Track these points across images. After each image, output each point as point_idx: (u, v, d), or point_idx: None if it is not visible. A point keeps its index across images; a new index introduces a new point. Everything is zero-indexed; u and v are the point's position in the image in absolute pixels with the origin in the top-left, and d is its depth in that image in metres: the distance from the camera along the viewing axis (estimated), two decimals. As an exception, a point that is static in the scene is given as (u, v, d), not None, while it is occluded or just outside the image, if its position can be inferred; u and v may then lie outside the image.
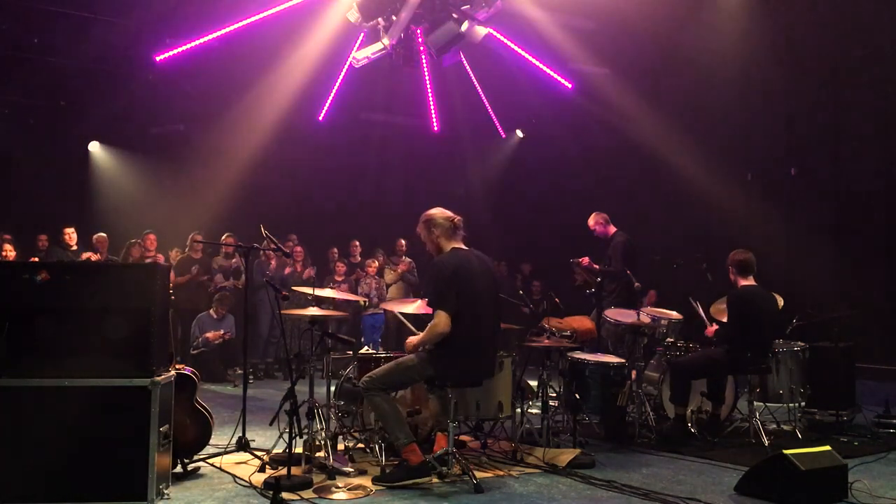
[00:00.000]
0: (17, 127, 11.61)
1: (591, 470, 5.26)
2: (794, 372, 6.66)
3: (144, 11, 10.30)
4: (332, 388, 5.70)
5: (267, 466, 5.15)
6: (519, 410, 5.98)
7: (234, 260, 10.54)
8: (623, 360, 6.48)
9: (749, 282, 6.41)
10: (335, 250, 11.61)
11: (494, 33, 9.25)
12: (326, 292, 6.59)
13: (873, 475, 5.18)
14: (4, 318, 4.15)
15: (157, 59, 10.20)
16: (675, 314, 7.16)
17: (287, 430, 4.84)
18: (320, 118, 12.30)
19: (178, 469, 4.93)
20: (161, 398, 4.22)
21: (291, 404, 4.81)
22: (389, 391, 5.06)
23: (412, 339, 5.13)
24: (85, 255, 9.74)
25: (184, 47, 10.07)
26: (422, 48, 9.22)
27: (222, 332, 9.79)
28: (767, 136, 11.61)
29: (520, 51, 10.84)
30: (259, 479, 4.84)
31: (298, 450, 5.08)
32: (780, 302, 6.93)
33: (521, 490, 4.81)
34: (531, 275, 13.35)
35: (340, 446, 5.56)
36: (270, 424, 5.65)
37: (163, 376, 4.32)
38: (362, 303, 10.87)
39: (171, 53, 10.17)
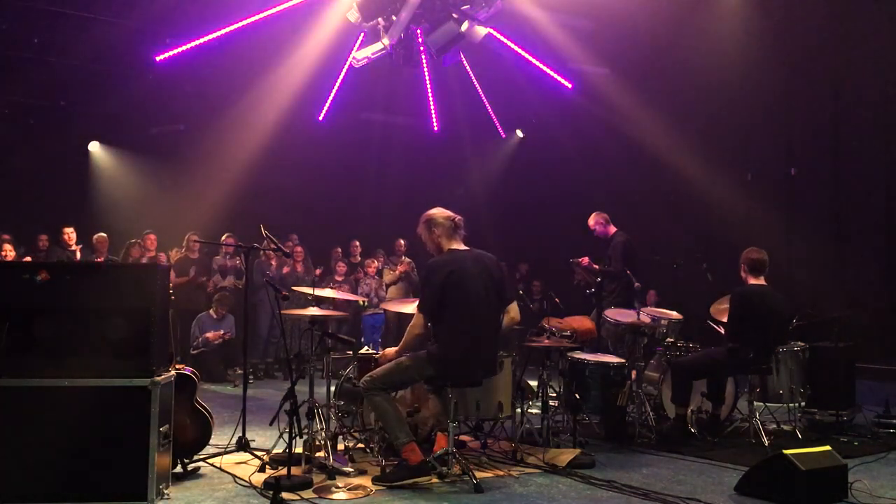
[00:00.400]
0: (17, 127, 11.61)
1: (591, 470, 5.26)
2: (794, 372, 6.66)
3: (144, 11, 10.30)
4: (332, 388, 5.70)
5: (267, 466, 5.15)
6: (519, 410, 5.97)
7: (235, 260, 10.53)
8: (623, 360, 6.48)
9: (759, 281, 6.38)
10: (338, 250, 11.62)
11: (494, 33, 9.25)
12: (326, 292, 6.59)
13: (873, 475, 5.18)
14: (4, 318, 4.15)
15: (157, 59, 10.20)
16: (675, 314, 7.16)
17: (287, 430, 4.84)
18: (320, 118, 12.29)
19: (178, 469, 4.93)
20: (161, 398, 4.22)
21: (291, 404, 4.81)
22: (389, 391, 5.07)
23: (388, 351, 5.22)
24: (79, 252, 9.74)
25: (184, 47, 10.08)
26: (422, 48, 9.22)
27: (222, 332, 9.79)
28: (767, 136, 11.62)
29: (520, 51, 10.85)
30: (259, 479, 4.84)
31: (298, 450, 5.08)
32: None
33: (521, 490, 4.81)
34: (528, 274, 13.36)
35: (340, 446, 5.56)
36: (270, 424, 5.65)
37: (163, 376, 4.32)
38: (362, 303, 10.87)
39: (171, 53, 10.18)
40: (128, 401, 4.17)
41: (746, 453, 5.75)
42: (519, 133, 14.90)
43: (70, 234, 9.96)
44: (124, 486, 4.12)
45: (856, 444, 6.21)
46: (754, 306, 6.27)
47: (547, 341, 6.15)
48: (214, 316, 9.90)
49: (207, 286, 10.42)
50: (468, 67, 11.33)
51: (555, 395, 6.55)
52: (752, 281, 6.38)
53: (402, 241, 11.95)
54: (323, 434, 5.33)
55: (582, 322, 7.07)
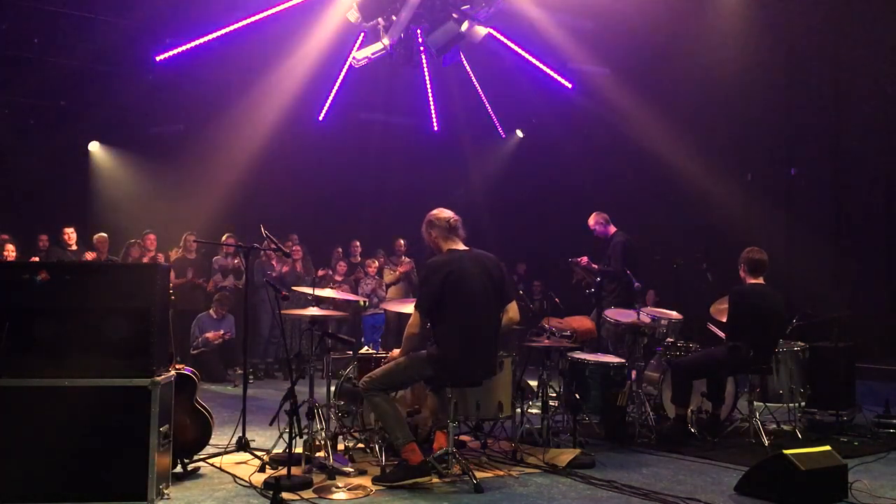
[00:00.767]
0: (17, 127, 11.61)
1: (591, 470, 5.26)
2: (794, 372, 6.66)
3: (144, 11, 10.30)
4: (332, 388, 5.70)
5: (267, 466, 5.15)
6: (519, 410, 5.97)
7: (235, 260, 10.53)
8: (623, 360, 6.48)
9: (757, 281, 6.38)
10: (339, 250, 11.62)
11: (494, 33, 9.25)
12: (326, 292, 6.59)
13: (873, 475, 5.18)
14: (4, 318, 4.15)
15: (157, 59, 10.20)
16: (675, 314, 7.16)
17: (287, 430, 4.84)
18: (320, 118, 12.29)
19: (178, 469, 4.93)
20: (161, 398, 4.22)
21: (291, 404, 4.81)
22: (389, 391, 5.07)
23: (395, 352, 5.21)
24: (88, 256, 9.74)
25: (184, 47, 10.08)
26: (422, 48, 9.22)
27: (222, 332, 9.79)
28: (767, 136, 11.62)
29: (520, 51, 10.85)
30: (259, 479, 4.84)
31: (298, 450, 5.08)
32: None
33: (521, 490, 4.81)
34: (526, 274, 13.35)
35: (340, 446, 5.56)
36: (270, 424, 5.66)
37: (163, 376, 4.32)
38: (362, 303, 10.87)
39: (171, 53, 10.18)
40: (128, 401, 4.17)
41: (746, 453, 5.75)
42: (519, 133, 14.89)
43: (70, 234, 9.96)
44: (124, 486, 4.12)
45: (856, 444, 6.21)
46: (753, 305, 6.27)
47: (547, 341, 6.15)
48: (214, 316, 9.90)
49: (207, 286, 10.42)
50: (468, 67, 11.33)
51: (555, 395, 6.55)
52: (751, 281, 6.39)
53: (402, 241, 11.95)
54: (323, 434, 5.33)
55: (582, 322, 7.07)
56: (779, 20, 11.13)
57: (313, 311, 5.65)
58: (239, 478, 4.94)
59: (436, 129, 13.41)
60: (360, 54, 8.70)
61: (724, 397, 6.52)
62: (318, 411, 5.41)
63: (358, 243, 11.93)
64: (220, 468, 5.17)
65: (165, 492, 4.34)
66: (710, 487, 4.90)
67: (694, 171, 11.46)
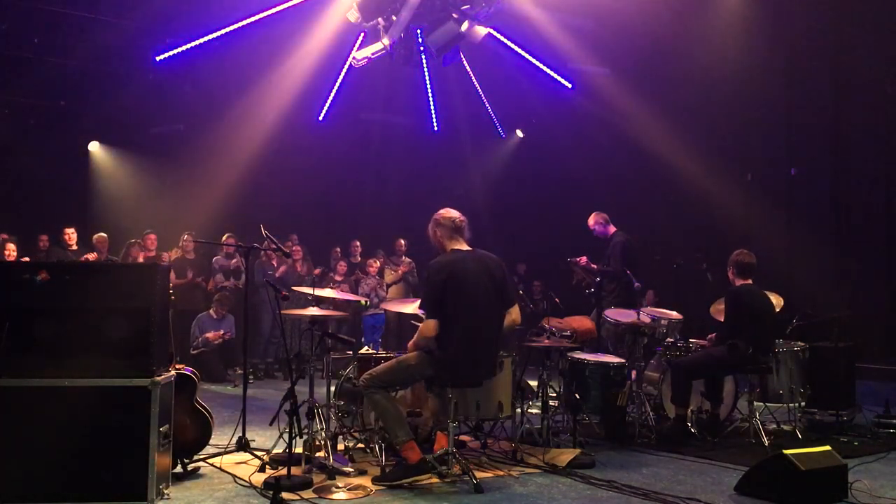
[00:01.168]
0: (17, 127, 11.61)
1: (591, 470, 5.26)
2: (794, 372, 6.66)
3: (144, 11, 10.31)
4: (332, 388, 5.70)
5: (267, 466, 5.15)
6: (519, 410, 5.97)
7: (234, 260, 10.53)
8: (623, 360, 6.48)
9: (746, 282, 6.46)
10: (338, 250, 11.61)
11: (494, 33, 9.26)
12: (326, 292, 6.59)
13: (873, 475, 5.18)
14: (4, 318, 4.15)
15: (157, 59, 10.21)
16: (675, 314, 7.16)
17: (287, 430, 4.84)
18: (320, 118, 12.30)
19: (178, 469, 4.93)
20: (161, 398, 4.22)
21: (291, 404, 4.81)
22: (389, 389, 5.07)
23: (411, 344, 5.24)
24: (90, 257, 9.74)
25: (184, 47, 10.10)
26: (422, 48, 9.22)
27: (222, 332, 9.78)
28: (767, 136, 11.63)
29: (520, 51, 10.86)
30: (259, 479, 4.84)
31: (298, 450, 5.08)
32: (780, 302, 6.94)
33: (521, 490, 4.80)
34: (526, 274, 13.35)
35: (340, 446, 5.56)
36: (270, 424, 5.65)
37: (163, 376, 4.31)
38: (363, 303, 10.87)
39: (171, 53, 10.19)
40: (128, 401, 4.16)
41: (746, 453, 5.75)
42: (519, 133, 14.89)
43: (71, 234, 9.96)
44: (124, 486, 4.12)
45: (856, 444, 6.21)
46: (749, 305, 6.34)
47: (547, 341, 6.15)
48: (214, 316, 9.90)
49: (207, 286, 10.42)
50: (468, 67, 11.34)
51: (555, 395, 6.54)
52: (741, 282, 6.46)
53: (402, 241, 11.95)
54: (323, 434, 5.33)
55: (582, 322, 7.06)
56: (779, 20, 11.14)
57: (313, 311, 5.65)
58: (239, 478, 4.94)
59: (436, 128, 13.42)
60: (360, 54, 8.71)
61: (723, 396, 6.53)
62: (318, 411, 5.41)
63: (358, 243, 11.93)
64: (220, 468, 5.17)
65: (165, 492, 4.34)
66: (710, 487, 4.90)
67: (694, 171, 11.46)
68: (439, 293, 4.94)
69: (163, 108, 12.02)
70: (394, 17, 8.36)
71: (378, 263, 11.42)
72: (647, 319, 6.86)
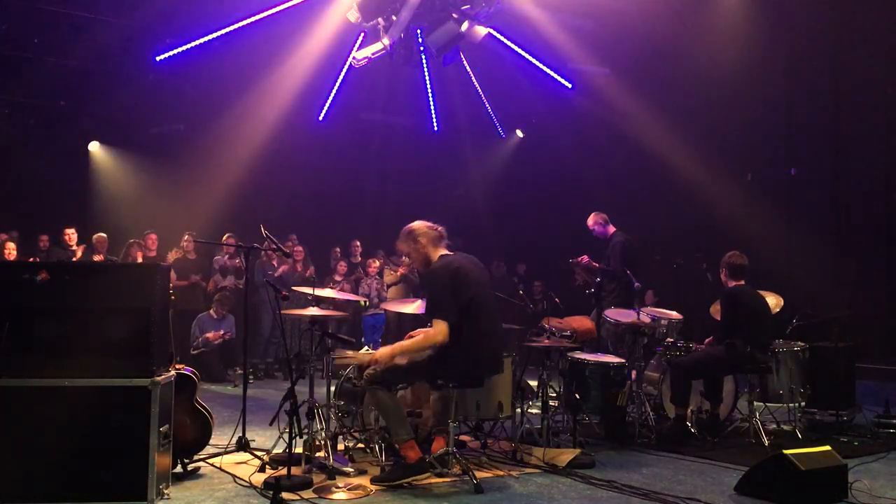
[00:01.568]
0: (17, 127, 11.61)
1: (591, 470, 5.26)
2: (794, 372, 6.66)
3: (144, 11, 10.31)
4: (332, 388, 5.70)
5: (267, 466, 5.15)
6: (519, 410, 5.97)
7: (236, 260, 10.53)
8: (623, 360, 6.48)
9: (739, 283, 6.50)
10: (338, 250, 11.61)
11: (494, 33, 9.26)
12: (326, 292, 6.59)
13: (873, 475, 5.18)
14: (4, 318, 4.15)
15: (157, 59, 10.21)
16: (675, 314, 7.16)
17: (287, 430, 4.84)
18: (320, 118, 12.30)
19: (178, 469, 4.93)
20: (161, 398, 4.22)
21: (291, 404, 4.81)
22: (392, 386, 5.05)
23: (382, 351, 5.00)
24: (79, 252, 9.74)
25: (184, 47, 10.10)
26: (422, 48, 9.22)
27: (222, 332, 9.78)
28: (767, 136, 11.63)
29: (520, 51, 10.86)
30: (259, 479, 4.84)
31: (298, 450, 5.08)
32: (780, 302, 6.95)
33: (521, 490, 4.81)
34: (526, 274, 13.34)
35: (340, 446, 5.55)
36: (270, 424, 5.65)
37: (163, 376, 4.31)
38: (362, 303, 10.87)
39: (171, 53, 10.19)
40: (128, 401, 4.16)
41: (746, 453, 5.75)
42: (519, 133, 14.89)
43: (71, 234, 9.96)
44: (124, 486, 4.11)
45: (856, 444, 6.21)
46: (746, 305, 6.38)
47: (547, 341, 6.15)
48: (214, 316, 9.90)
49: (207, 286, 10.42)
50: (468, 67, 11.34)
51: (555, 395, 6.54)
52: (733, 283, 6.50)
53: (402, 242, 11.92)
54: (323, 434, 5.33)
55: (582, 322, 7.06)
56: (779, 20, 11.13)
57: (313, 311, 5.65)
58: (239, 478, 4.94)
59: (436, 129, 13.42)
60: (360, 54, 8.71)
61: (722, 396, 6.53)
62: (318, 411, 5.40)
63: (358, 243, 11.93)
64: (220, 468, 5.17)
65: (165, 492, 4.34)
66: (710, 487, 4.90)
67: (694, 171, 11.46)
68: (448, 293, 4.87)
69: (163, 108, 12.02)
70: (394, 17, 8.36)
71: (378, 263, 11.42)
72: (647, 319, 6.86)
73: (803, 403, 6.74)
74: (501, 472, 5.19)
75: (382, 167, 14.10)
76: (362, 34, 9.20)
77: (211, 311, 9.93)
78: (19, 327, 4.17)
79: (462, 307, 4.88)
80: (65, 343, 4.20)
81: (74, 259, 9.63)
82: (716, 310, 6.98)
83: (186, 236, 10.47)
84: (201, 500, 4.48)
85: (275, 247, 6.39)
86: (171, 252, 10.65)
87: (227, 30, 9.89)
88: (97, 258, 9.71)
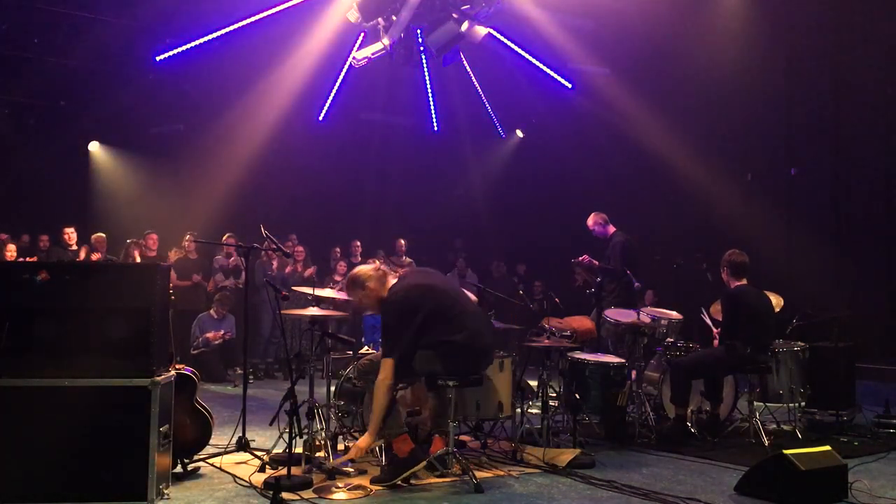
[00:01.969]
0: (17, 127, 11.61)
1: (591, 470, 5.26)
2: (794, 372, 6.66)
3: (144, 11, 10.31)
4: (332, 388, 5.70)
5: (267, 466, 5.15)
6: (519, 410, 5.97)
7: (233, 259, 10.53)
8: (623, 360, 6.48)
9: (742, 282, 6.47)
10: (337, 250, 11.60)
11: (494, 33, 9.26)
12: (326, 292, 6.59)
13: (873, 475, 5.18)
14: (4, 318, 4.15)
15: (157, 59, 10.21)
16: (675, 314, 7.16)
17: (287, 430, 4.84)
18: (320, 118, 12.29)
19: (178, 469, 4.93)
20: (161, 398, 4.22)
21: (291, 404, 4.81)
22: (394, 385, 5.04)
23: (362, 441, 4.93)
24: (82, 253, 9.74)
25: (184, 47, 10.10)
26: (422, 48, 9.22)
27: (222, 332, 9.78)
28: (767, 136, 11.63)
29: (520, 51, 10.86)
30: (259, 479, 4.84)
31: (298, 450, 5.08)
32: (780, 302, 6.94)
33: (521, 490, 4.81)
34: (526, 274, 13.33)
35: (340, 446, 5.56)
36: (270, 424, 5.65)
37: (163, 376, 4.31)
38: (362, 303, 10.83)
39: (171, 53, 10.19)
40: (128, 401, 4.16)
41: (746, 453, 5.75)
42: (519, 133, 14.89)
43: (71, 234, 9.97)
44: (124, 486, 4.12)
45: (856, 444, 6.21)
46: (748, 305, 6.35)
47: (547, 341, 6.15)
48: (215, 316, 9.90)
49: (207, 286, 10.42)
50: (468, 67, 11.33)
51: (555, 395, 6.54)
52: (736, 283, 6.47)
53: (402, 241, 11.93)
54: (323, 434, 5.33)
55: (582, 322, 7.06)
56: (779, 20, 11.13)
57: (313, 311, 5.65)
58: (239, 478, 4.94)
59: (436, 129, 13.42)
60: (360, 54, 8.71)
61: (722, 396, 6.53)
62: (318, 411, 5.41)
63: (358, 243, 11.91)
64: (220, 468, 5.17)
65: (165, 492, 4.34)
66: (710, 487, 4.90)
67: (694, 171, 11.46)
68: (397, 328, 4.87)
69: (163, 108, 12.02)
70: (394, 17, 8.36)
71: (378, 263, 11.39)
72: (647, 319, 6.86)
73: (803, 403, 6.73)
74: (501, 472, 5.19)
75: (382, 167, 14.10)
76: (362, 34, 9.20)
77: (211, 311, 9.93)
78: (19, 327, 4.17)
79: (440, 320, 4.89)
80: (65, 343, 4.20)
81: (77, 259, 9.62)
82: (716, 310, 6.97)
83: (188, 236, 10.46)
84: (201, 500, 4.48)
85: (275, 247, 6.39)
86: (172, 252, 10.65)
87: (227, 30, 9.89)
88: (94, 257, 9.71)
